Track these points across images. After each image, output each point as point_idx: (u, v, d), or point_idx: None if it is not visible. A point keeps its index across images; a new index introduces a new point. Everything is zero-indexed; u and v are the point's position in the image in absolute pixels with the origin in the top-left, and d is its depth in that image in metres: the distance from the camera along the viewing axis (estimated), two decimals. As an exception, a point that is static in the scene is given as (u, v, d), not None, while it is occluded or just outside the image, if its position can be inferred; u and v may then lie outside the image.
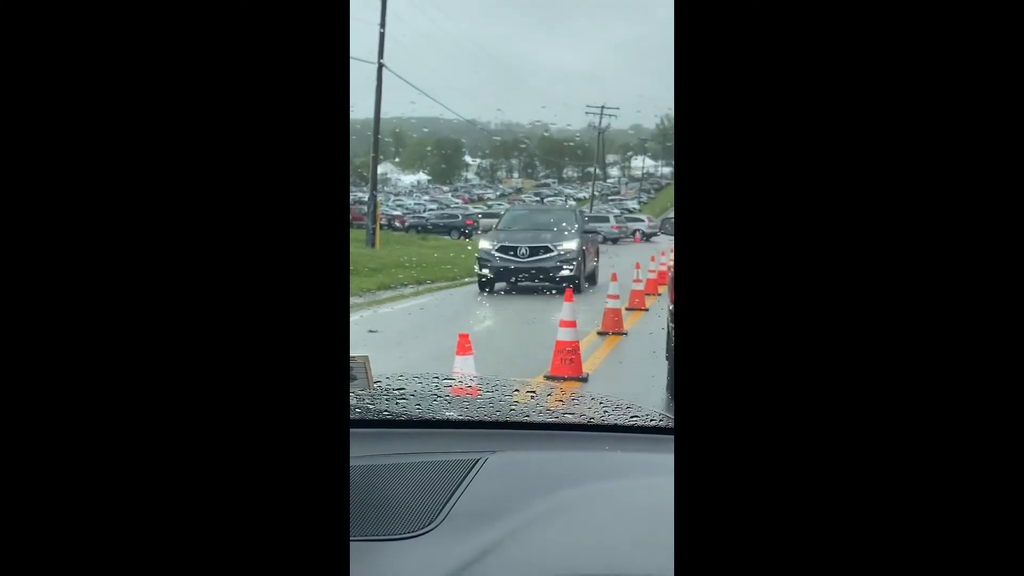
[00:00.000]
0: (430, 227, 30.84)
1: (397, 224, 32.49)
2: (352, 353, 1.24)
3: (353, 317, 9.06)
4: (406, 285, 12.18)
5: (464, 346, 5.06)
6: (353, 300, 10.34)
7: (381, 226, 22.21)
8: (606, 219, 29.79)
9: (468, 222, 30.95)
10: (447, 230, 30.41)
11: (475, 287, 12.30)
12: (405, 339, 7.53)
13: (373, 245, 19.63)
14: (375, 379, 1.38)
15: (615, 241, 26.82)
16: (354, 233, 22.53)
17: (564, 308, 6.23)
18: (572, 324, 6.08)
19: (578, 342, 6.14)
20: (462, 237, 28.43)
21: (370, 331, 8.12)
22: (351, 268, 12.70)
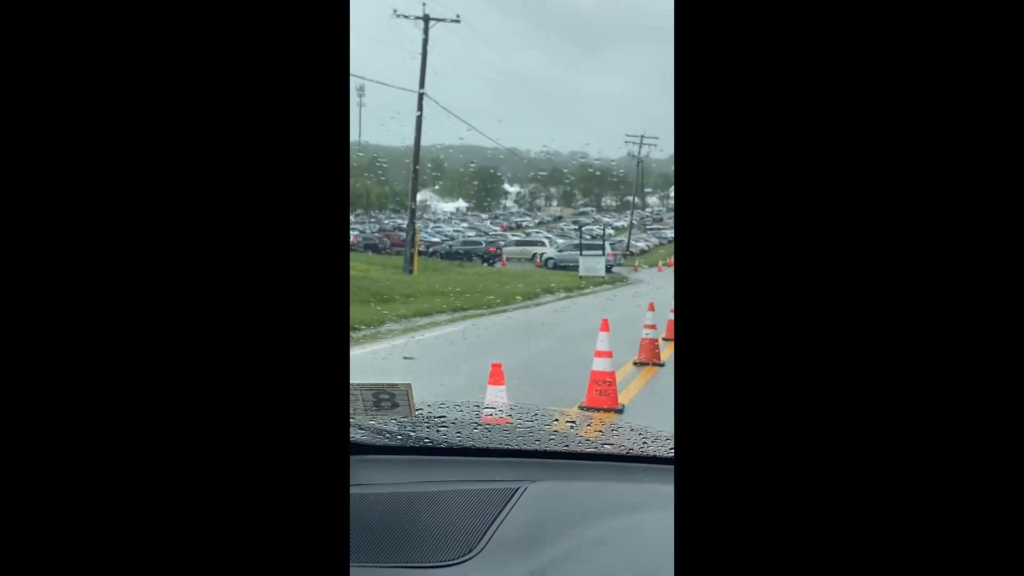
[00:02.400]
0: (455, 253, 31.41)
1: (422, 250, 33.37)
2: (393, 381, 1.33)
3: (387, 344, 9.10)
4: (442, 312, 12.20)
5: (496, 376, 5.03)
6: (389, 327, 10.36)
7: (420, 252, 22.41)
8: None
9: (491, 249, 31.47)
10: (469, 256, 30.90)
11: (513, 314, 12.85)
12: (441, 366, 7.52)
13: (411, 272, 19.75)
14: (416, 407, 1.38)
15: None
16: (393, 260, 22.71)
17: (600, 338, 6.18)
18: (608, 354, 6.03)
19: (614, 372, 6.09)
20: (485, 263, 28.84)
21: (405, 357, 8.12)
22: (387, 294, 12.86)
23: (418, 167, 21.00)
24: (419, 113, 20.20)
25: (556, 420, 1.77)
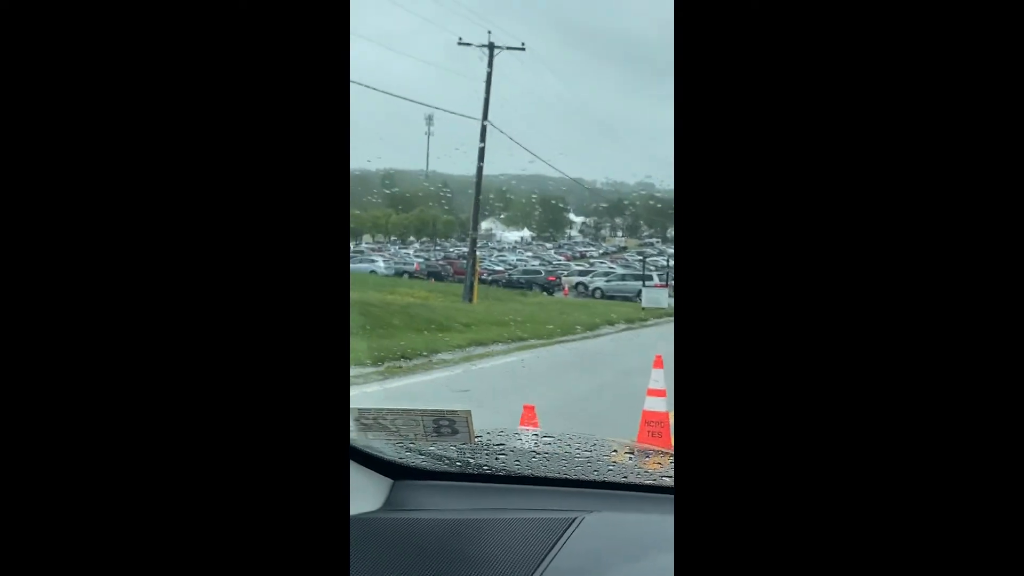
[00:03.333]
0: (515, 282, 31.74)
1: (484, 278, 33.59)
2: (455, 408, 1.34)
3: (442, 374, 8.96)
4: (499, 342, 12.07)
5: (529, 418, 4.82)
6: (444, 356, 10.25)
7: (481, 280, 22.49)
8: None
9: (551, 279, 31.75)
10: (529, 285, 31.16)
11: (571, 345, 12.59)
12: (492, 399, 7.37)
13: (471, 300, 19.72)
14: (476, 433, 1.38)
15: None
16: (455, 287, 22.75)
17: (653, 375, 5.87)
18: (662, 393, 5.71)
19: (668, 413, 5.70)
20: (544, 292, 28.98)
21: (460, 390, 7.99)
22: (444, 323, 12.79)
23: (480, 196, 21.09)
24: (482, 144, 20.31)
25: (615, 451, 1.75)
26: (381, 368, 8.55)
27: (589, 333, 15.04)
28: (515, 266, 36.96)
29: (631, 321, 18.33)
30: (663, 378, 5.79)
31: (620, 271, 32.70)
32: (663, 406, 5.67)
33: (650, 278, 26.71)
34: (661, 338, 14.32)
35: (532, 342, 12.77)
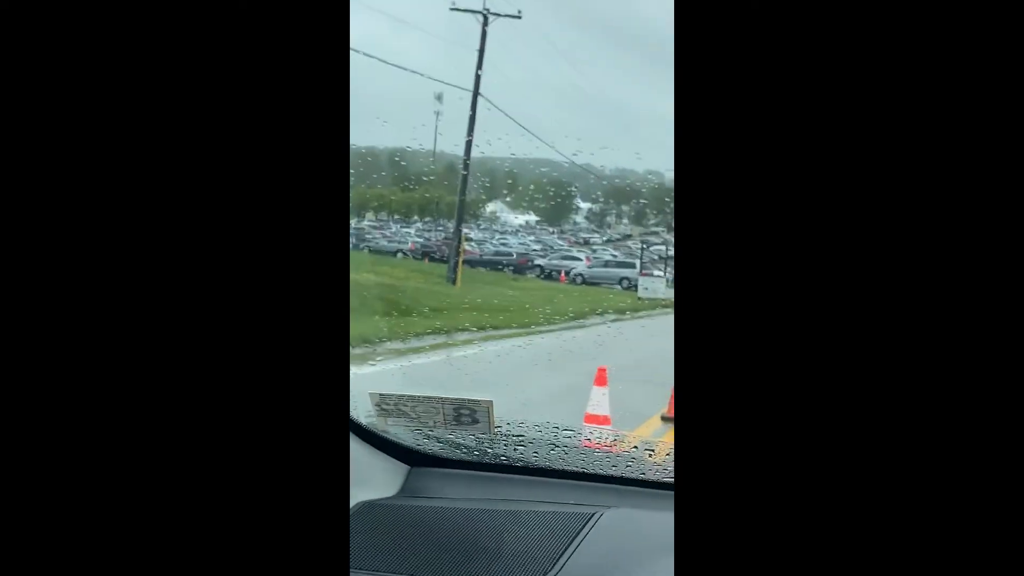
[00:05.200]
0: (484, 262, 31.73)
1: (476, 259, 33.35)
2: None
3: (374, 368, 8.09)
4: (466, 332, 11.20)
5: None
6: (394, 345, 9.39)
7: (468, 262, 21.89)
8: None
9: (522, 261, 32.13)
10: (501, 266, 31.32)
11: (550, 337, 12.07)
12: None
13: (454, 281, 18.87)
14: (496, 424, 1.48)
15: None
16: (441, 268, 21.89)
17: (592, 395, 5.47)
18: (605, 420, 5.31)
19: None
20: (516, 273, 29.07)
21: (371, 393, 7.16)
22: (411, 307, 11.95)
23: (467, 173, 20.32)
24: (471, 113, 19.44)
25: (635, 447, 1.81)
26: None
27: (574, 323, 14.16)
28: (515, 249, 36.36)
29: (622, 312, 17.42)
30: (603, 399, 4.97)
31: (606, 257, 32.16)
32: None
33: (633, 266, 26.18)
34: (650, 334, 13.52)
35: (507, 332, 11.91)
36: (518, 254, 33.59)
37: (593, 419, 4.95)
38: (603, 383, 5.39)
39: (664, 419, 6.51)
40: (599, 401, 5.19)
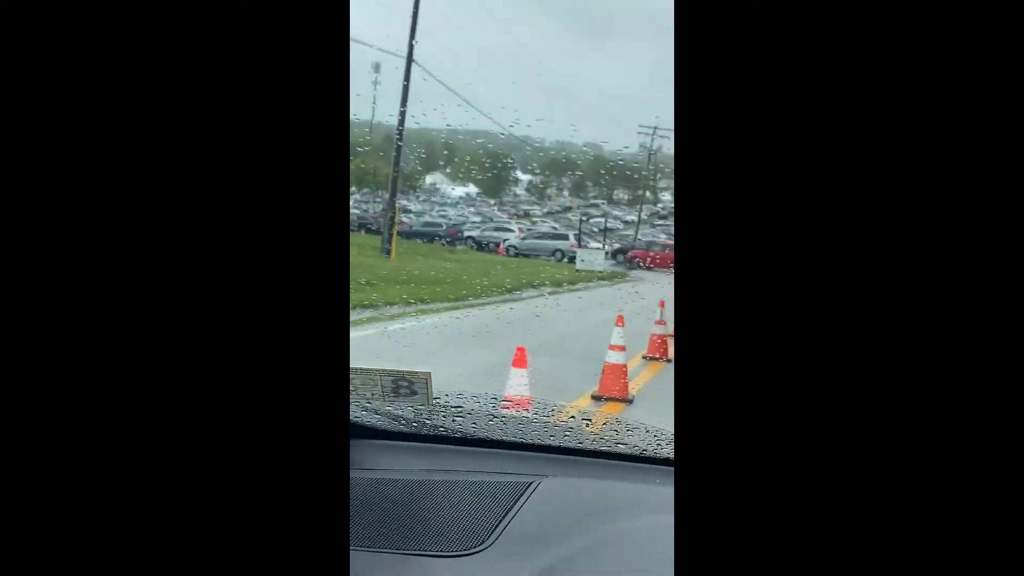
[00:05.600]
0: (415, 233, 31.97)
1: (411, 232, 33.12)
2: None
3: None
4: (394, 304, 10.82)
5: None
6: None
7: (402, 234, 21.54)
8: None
9: (451, 232, 32.15)
10: (430, 237, 31.46)
11: (500, 307, 12.00)
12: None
13: (389, 254, 18.40)
14: (434, 395, 1.39)
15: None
16: (376, 240, 21.39)
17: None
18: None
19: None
20: (446, 244, 29.08)
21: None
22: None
23: (401, 143, 19.85)
24: (406, 83, 18.91)
25: (572, 417, 1.78)
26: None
27: (509, 296, 13.91)
28: (456, 222, 36.03)
29: (559, 284, 17.25)
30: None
31: (540, 229, 32.03)
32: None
33: (566, 237, 26.17)
34: (586, 308, 13.38)
35: (443, 304, 11.60)
36: (448, 225, 33.30)
37: (511, 402, 4.67)
38: (522, 364, 5.19)
39: (594, 398, 6.43)
40: (518, 383, 5.02)
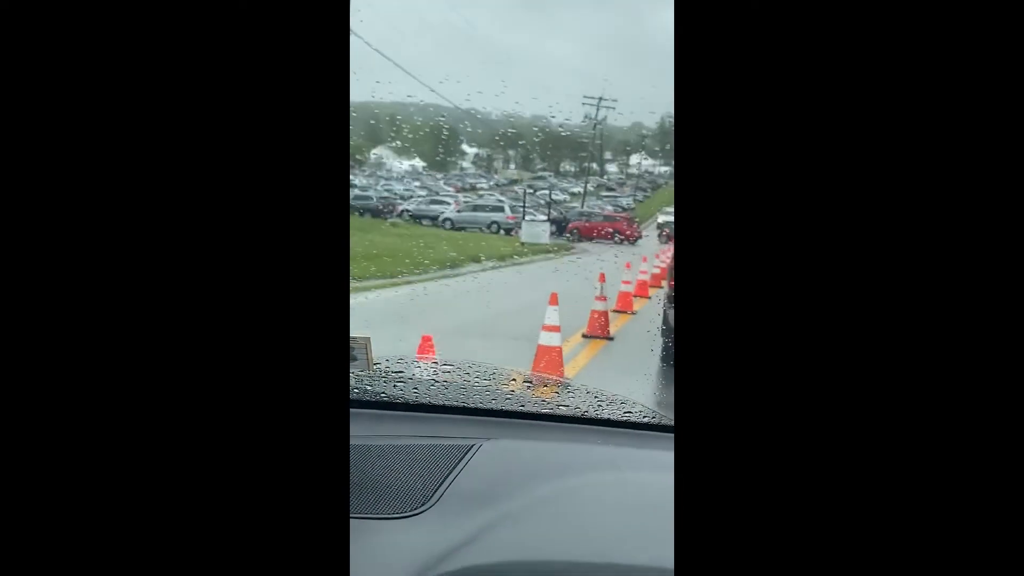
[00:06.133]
0: (355, 208, 31.55)
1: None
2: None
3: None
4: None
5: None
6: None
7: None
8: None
9: (387, 207, 31.80)
10: (363, 211, 31.07)
11: (444, 281, 12.07)
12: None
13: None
14: (375, 361, 1.46)
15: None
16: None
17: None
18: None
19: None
20: (379, 218, 29.02)
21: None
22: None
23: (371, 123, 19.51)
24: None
25: (513, 380, 1.80)
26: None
27: (450, 271, 13.81)
28: (401, 196, 35.57)
29: (503, 258, 17.18)
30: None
31: (476, 202, 31.82)
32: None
33: (502, 209, 26.07)
34: (526, 283, 13.34)
35: (383, 280, 11.45)
36: (382, 199, 32.90)
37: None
38: (428, 351, 5.02)
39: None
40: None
